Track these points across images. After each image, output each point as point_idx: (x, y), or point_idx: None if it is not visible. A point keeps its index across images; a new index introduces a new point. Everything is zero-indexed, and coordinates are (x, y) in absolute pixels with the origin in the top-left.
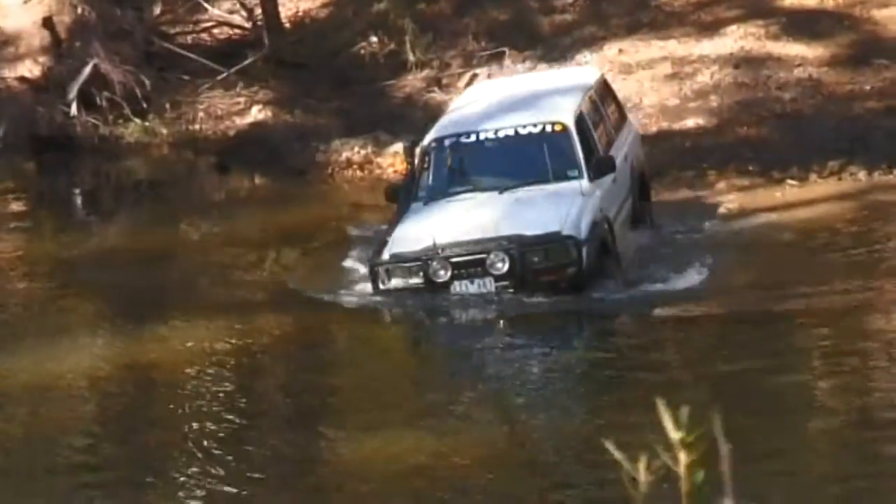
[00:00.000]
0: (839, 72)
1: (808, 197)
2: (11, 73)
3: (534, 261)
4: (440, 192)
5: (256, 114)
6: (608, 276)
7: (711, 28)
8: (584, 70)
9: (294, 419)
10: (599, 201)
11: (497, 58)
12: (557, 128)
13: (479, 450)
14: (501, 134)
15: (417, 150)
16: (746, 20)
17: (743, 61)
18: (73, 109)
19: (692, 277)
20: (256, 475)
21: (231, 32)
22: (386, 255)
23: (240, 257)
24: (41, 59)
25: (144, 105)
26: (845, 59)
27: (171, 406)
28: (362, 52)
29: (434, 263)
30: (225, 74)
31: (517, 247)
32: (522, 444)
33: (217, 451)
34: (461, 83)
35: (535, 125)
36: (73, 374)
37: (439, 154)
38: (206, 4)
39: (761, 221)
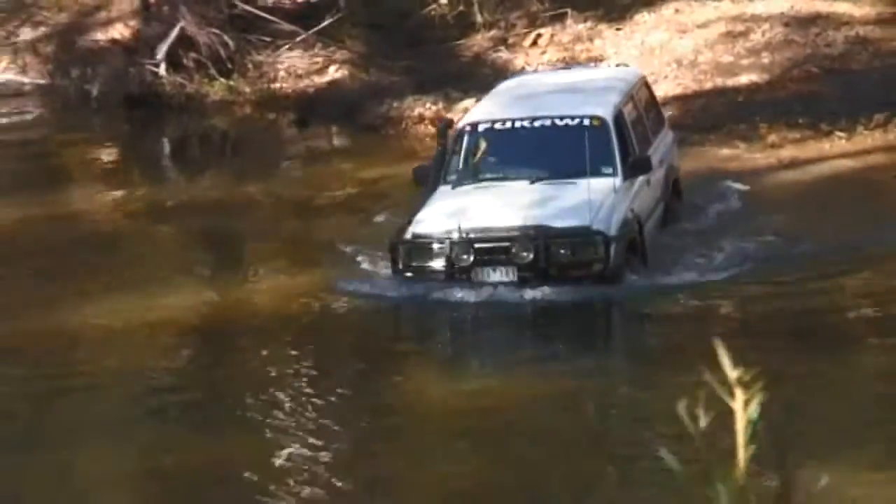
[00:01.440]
0: (885, 29)
1: (856, 149)
2: (104, 35)
3: (560, 253)
4: (470, 178)
5: (333, 72)
6: (634, 273)
7: None
8: (626, 70)
9: (364, 367)
10: (632, 200)
11: (560, 18)
12: (595, 122)
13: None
14: (538, 124)
15: (450, 133)
16: None
17: (793, 20)
18: (162, 69)
19: (722, 264)
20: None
21: None
22: (408, 235)
23: (316, 208)
24: (131, 22)
25: (228, 65)
26: (889, 17)
27: (248, 346)
28: (432, 13)
29: (457, 247)
30: (304, 36)
31: (543, 237)
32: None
33: (294, 394)
34: (526, 42)
35: (572, 118)
36: (170, 310)
37: (472, 139)
38: None
39: (812, 172)
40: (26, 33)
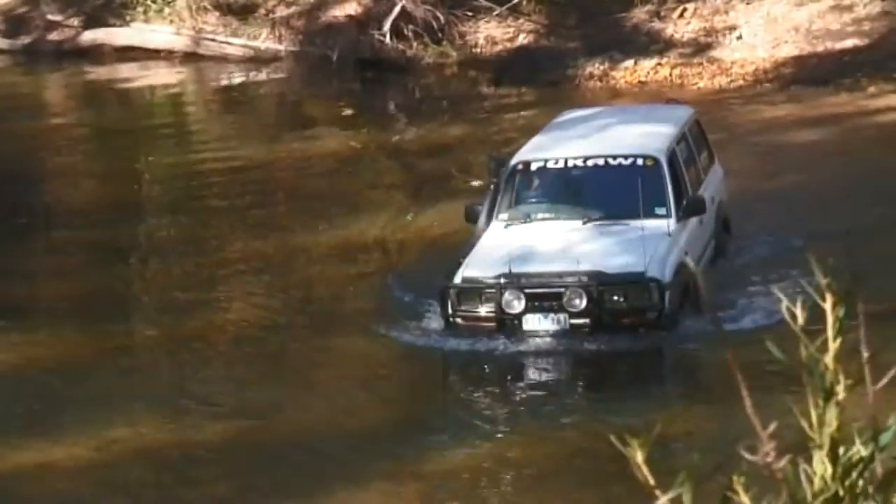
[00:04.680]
0: None
1: None
2: (341, 12)
3: (613, 300)
4: (521, 216)
5: (522, 40)
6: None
7: None
8: (677, 107)
9: None
10: (685, 243)
11: None
12: (649, 162)
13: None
14: (590, 163)
15: (503, 171)
16: None
17: None
18: (387, 39)
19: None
20: None
21: None
22: (458, 279)
23: (504, 141)
24: (363, 1)
25: (439, 35)
26: None
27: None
28: None
29: (507, 293)
30: (498, 11)
31: (597, 284)
32: None
33: None
34: (675, 15)
35: (626, 157)
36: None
37: (525, 177)
38: None
39: None
40: (281, 10)
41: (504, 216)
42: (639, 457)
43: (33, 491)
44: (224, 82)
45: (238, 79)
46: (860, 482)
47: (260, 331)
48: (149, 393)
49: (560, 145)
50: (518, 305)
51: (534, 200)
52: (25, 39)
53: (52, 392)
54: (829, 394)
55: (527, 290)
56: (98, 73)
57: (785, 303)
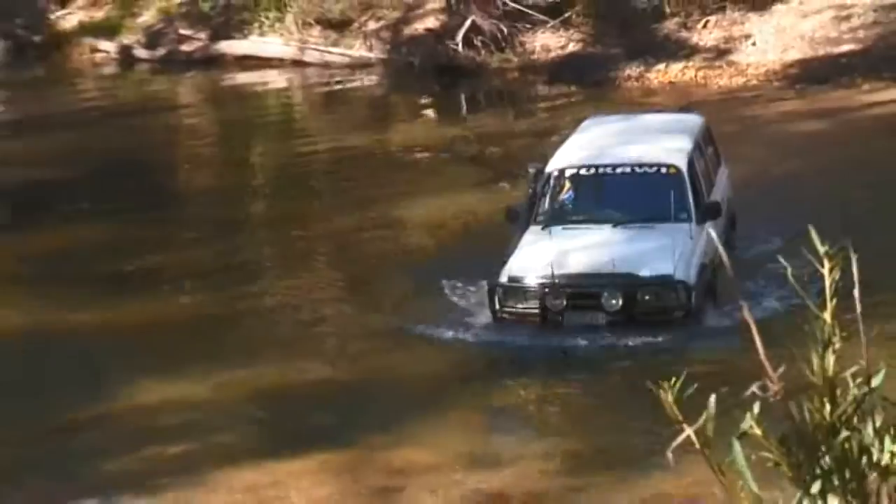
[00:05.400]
0: None
1: None
2: (421, 25)
3: (645, 300)
4: (557, 219)
5: (572, 47)
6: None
7: None
8: (690, 116)
9: None
10: (705, 244)
11: (721, 9)
12: (672, 171)
13: None
14: (619, 171)
15: (541, 177)
16: None
17: (880, 8)
18: (460, 48)
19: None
20: None
21: None
22: (504, 278)
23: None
24: (440, 16)
25: (503, 44)
26: None
27: None
28: (641, 5)
29: (551, 292)
30: (552, 24)
31: (631, 287)
32: None
33: None
34: (699, 26)
35: (650, 166)
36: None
37: (559, 183)
38: None
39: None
40: (372, 24)
41: (541, 218)
42: (669, 397)
43: (165, 421)
44: (325, 85)
45: (336, 82)
46: (854, 418)
47: (355, 293)
48: (264, 342)
49: (591, 154)
50: (559, 304)
51: (568, 204)
52: (162, 51)
53: (182, 342)
54: (827, 344)
55: (568, 290)
56: (221, 77)
57: (789, 270)
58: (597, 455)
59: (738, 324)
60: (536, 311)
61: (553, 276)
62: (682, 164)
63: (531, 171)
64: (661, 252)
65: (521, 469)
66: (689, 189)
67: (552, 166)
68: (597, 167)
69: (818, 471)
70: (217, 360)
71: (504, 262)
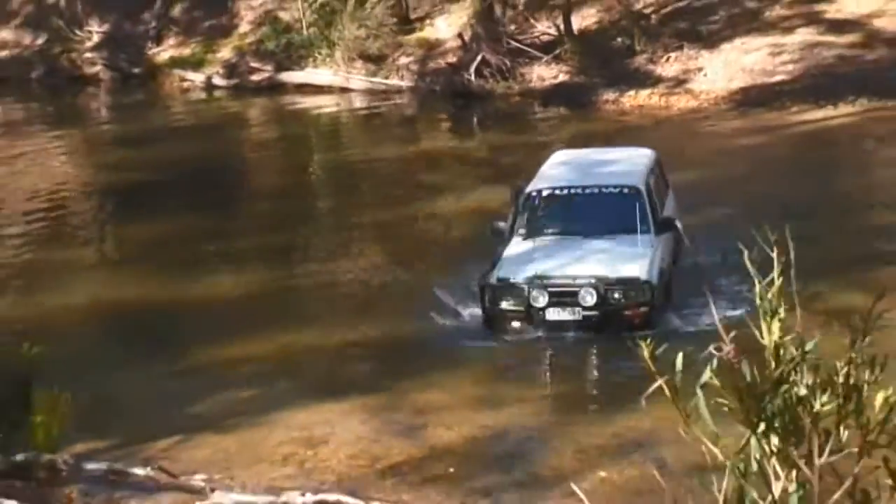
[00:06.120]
0: (856, 50)
1: (839, 114)
2: (443, 60)
3: (615, 297)
4: (536, 231)
5: (562, 77)
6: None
7: (788, 30)
8: (644, 150)
9: None
10: (662, 252)
11: (679, 48)
12: (633, 191)
13: None
14: (588, 192)
15: (522, 196)
16: (808, 24)
17: (806, 46)
18: (472, 77)
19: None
20: None
21: (549, 37)
22: (494, 279)
23: (543, 145)
24: (457, 52)
25: (507, 74)
26: (860, 43)
27: None
28: (616, 44)
29: (534, 291)
30: (545, 59)
31: (603, 285)
32: None
33: None
34: (663, 60)
35: (615, 187)
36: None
37: (538, 201)
38: (535, 23)
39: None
40: (403, 59)
41: (522, 231)
42: (646, 353)
43: (239, 373)
44: (366, 108)
45: (375, 105)
46: (792, 374)
47: (394, 270)
48: (320, 310)
49: (563, 178)
50: (542, 300)
51: (545, 219)
52: (236, 80)
53: (256, 310)
54: (773, 314)
55: (549, 289)
56: (283, 101)
57: (746, 254)
58: (582, 400)
59: (700, 328)
60: (522, 307)
61: (536, 276)
62: (642, 186)
63: (514, 191)
64: (628, 257)
65: (520, 409)
66: (647, 206)
67: (531, 187)
68: (570, 188)
69: (764, 416)
70: (282, 324)
71: (492, 267)
